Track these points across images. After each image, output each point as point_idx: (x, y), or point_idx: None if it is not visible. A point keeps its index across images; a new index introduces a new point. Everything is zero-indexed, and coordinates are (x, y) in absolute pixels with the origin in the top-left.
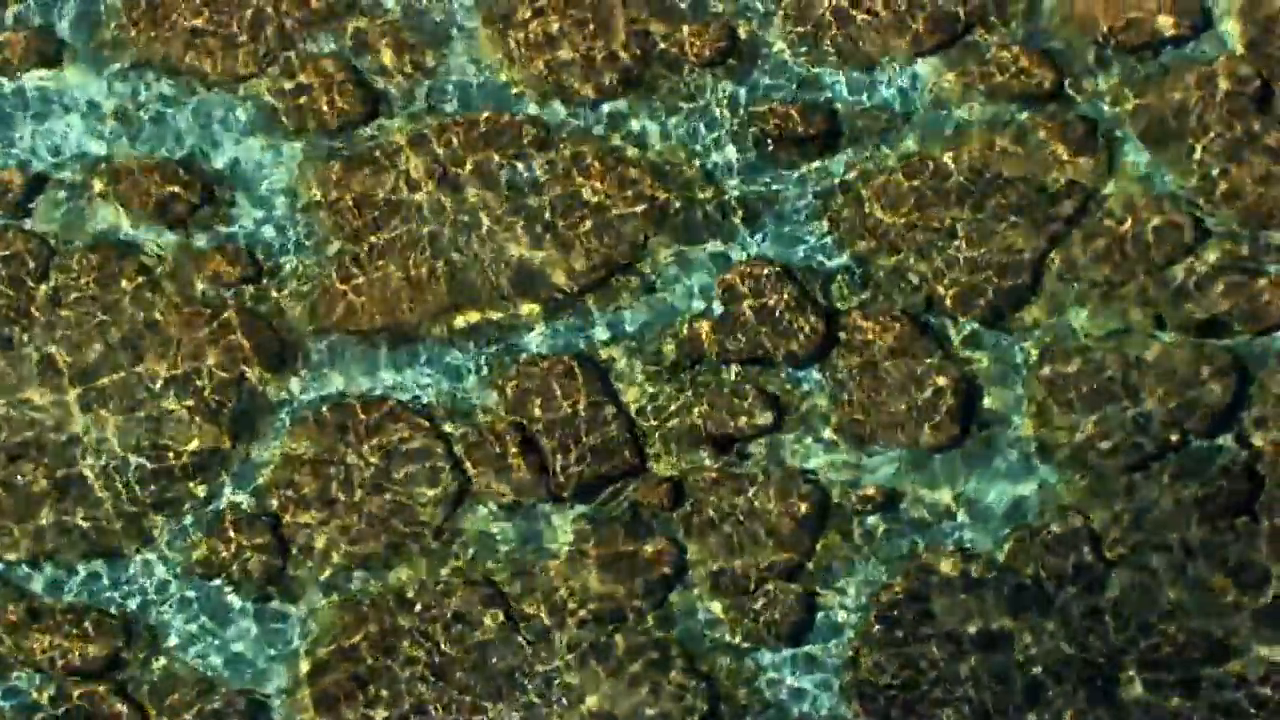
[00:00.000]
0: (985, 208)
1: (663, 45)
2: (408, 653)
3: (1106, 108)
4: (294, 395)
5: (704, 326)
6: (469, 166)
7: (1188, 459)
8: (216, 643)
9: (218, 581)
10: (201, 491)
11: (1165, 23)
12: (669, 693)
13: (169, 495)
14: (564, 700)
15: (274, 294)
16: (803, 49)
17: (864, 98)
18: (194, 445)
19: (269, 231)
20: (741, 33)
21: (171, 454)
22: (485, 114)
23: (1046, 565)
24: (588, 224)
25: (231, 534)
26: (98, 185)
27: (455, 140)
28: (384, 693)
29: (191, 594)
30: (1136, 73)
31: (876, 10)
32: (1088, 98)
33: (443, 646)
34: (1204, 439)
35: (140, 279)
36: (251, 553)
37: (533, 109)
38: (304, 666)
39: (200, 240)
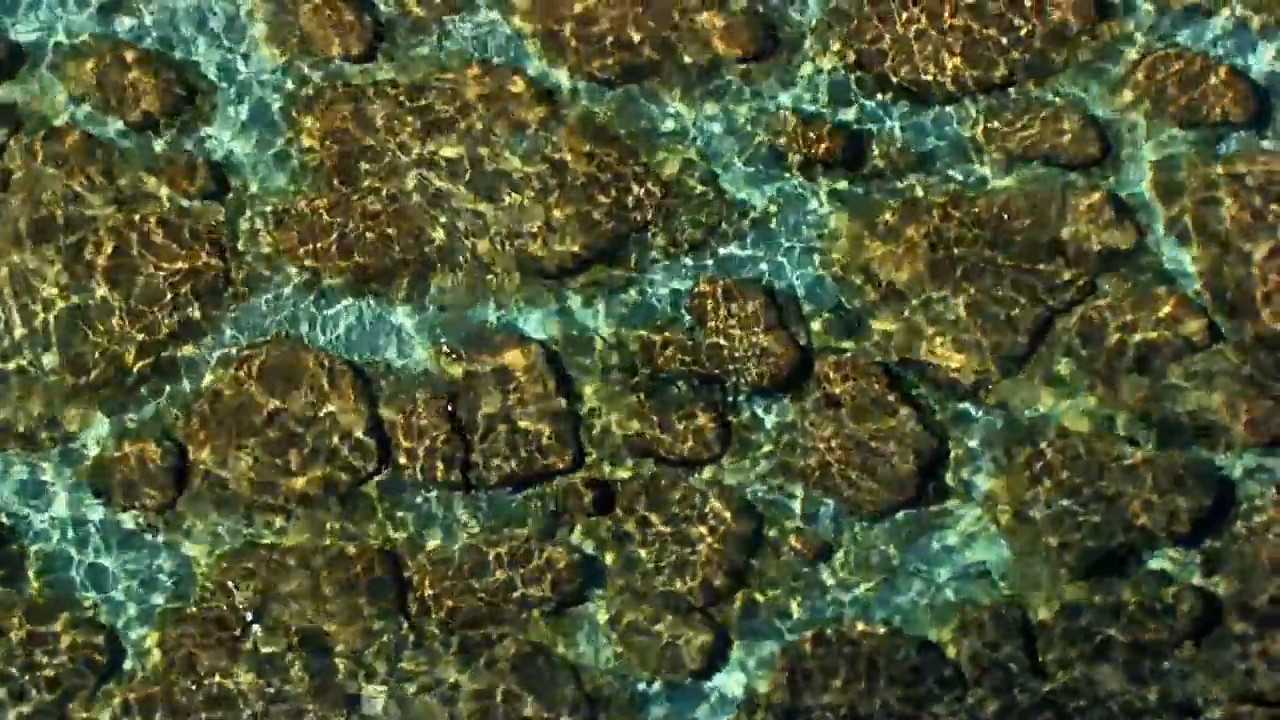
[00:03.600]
0: (992, 270)
1: (693, 35)
2: (281, 616)
3: (1146, 188)
4: (230, 326)
5: (672, 336)
6: (464, 125)
7: (1145, 572)
8: (88, 564)
9: (106, 503)
10: (113, 405)
11: (1225, 108)
12: (547, 706)
13: (77, 402)
14: (436, 695)
15: (232, 217)
16: (842, 65)
17: (894, 129)
18: (114, 356)
19: (243, 151)
20: (780, 35)
21: (89, 362)
22: (494, 73)
23: (972, 653)
24: (574, 207)
25: (132, 457)
26: (78, 68)
27: (456, 95)
28: (249, 650)
29: (77, 511)
30: (1185, 156)
31: (924, 41)
32: (1129, 174)
33: (320, 616)
34: (1168, 555)
35: (98, 174)
36: (149, 480)
37: (545, 77)
38: (172, 608)
39: (168, 145)
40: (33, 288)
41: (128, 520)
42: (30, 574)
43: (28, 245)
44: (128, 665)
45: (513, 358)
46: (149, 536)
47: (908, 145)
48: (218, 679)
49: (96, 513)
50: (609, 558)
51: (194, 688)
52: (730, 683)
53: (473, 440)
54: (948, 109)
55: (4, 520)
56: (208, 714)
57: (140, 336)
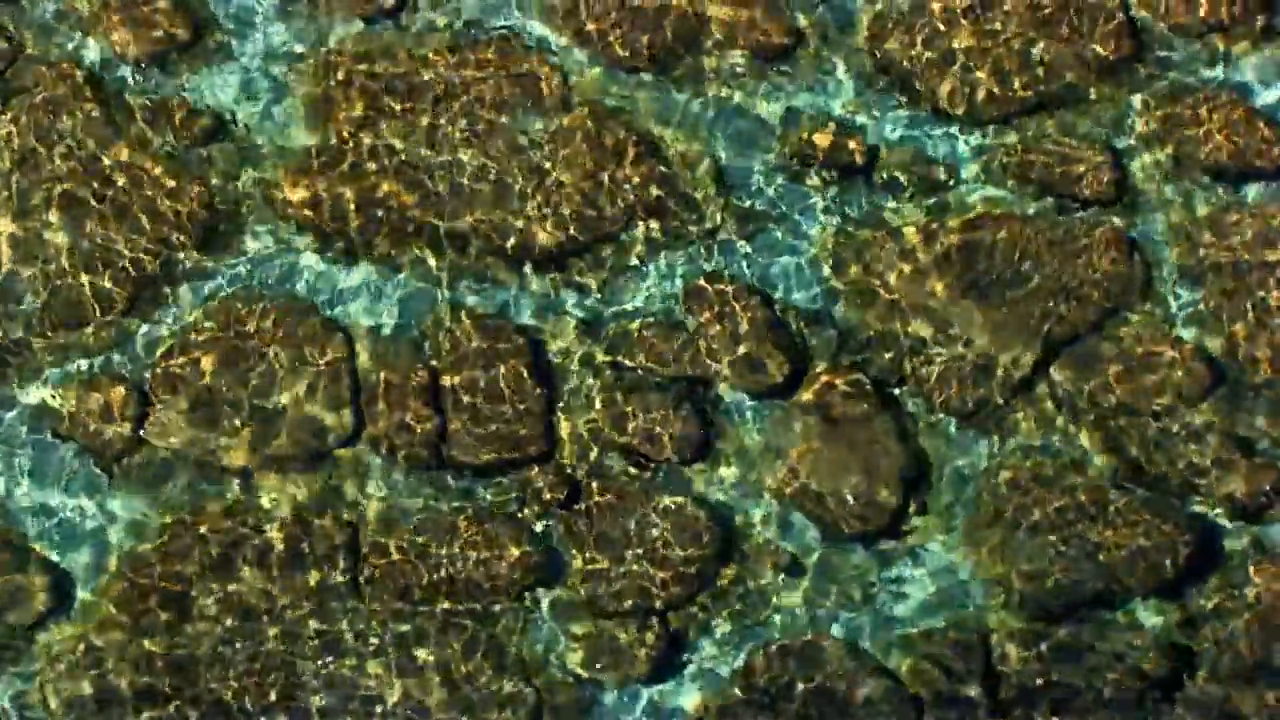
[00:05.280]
0: (993, 296)
1: (718, 26)
2: (233, 576)
3: (1160, 231)
4: (215, 275)
5: (661, 332)
6: (477, 95)
7: (1118, 623)
8: (43, 503)
9: (67, 442)
10: (82, 345)
11: (1252, 156)
12: (491, 698)
13: (47, 338)
14: (379, 675)
15: (229, 163)
16: (864, 73)
17: (913, 143)
18: (92, 295)
19: (243, 100)
20: (807, 34)
21: (64, 296)
22: (508, 48)
23: (929, 682)
24: (575, 190)
25: (98, 397)
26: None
27: (474, 63)
28: (195, 607)
29: (34, 446)
30: (1205, 202)
31: (952, 58)
32: (1144, 216)
33: (273, 581)
34: (1145, 605)
35: (94, 109)
36: (112, 423)
37: (560, 57)
38: (122, 555)
39: (168, 86)
40: (18, 218)
41: (85, 464)
42: None
43: (17, 176)
44: (71, 612)
45: (496, 341)
46: (108, 480)
47: (924, 161)
48: (162, 638)
49: (54, 453)
50: (570, 552)
51: (137, 642)
52: (681, 691)
53: (448, 419)
54: (969, 129)
55: None
56: (145, 674)
57: (119, 277)
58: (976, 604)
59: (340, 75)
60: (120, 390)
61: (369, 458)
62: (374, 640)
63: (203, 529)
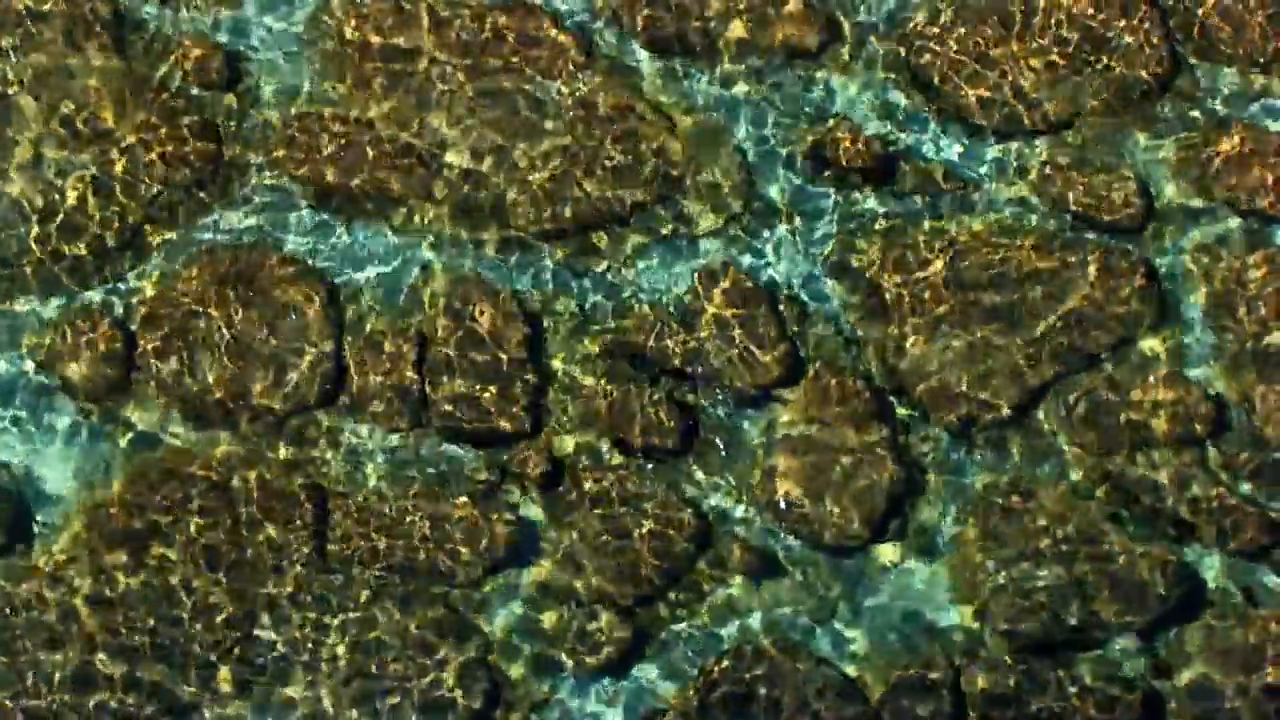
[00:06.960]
0: (1001, 315)
1: (749, 20)
2: (196, 527)
3: (1179, 262)
4: (209, 220)
5: (660, 320)
6: (494, 63)
7: (1094, 659)
8: (14, 435)
9: (44, 375)
10: (73, 281)
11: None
12: (448, 674)
13: (39, 273)
14: (336, 637)
15: (237, 111)
16: (897, 78)
17: (935, 152)
18: (88, 230)
19: (261, 47)
20: (841, 35)
21: (56, 227)
22: (534, 14)
23: (896, 704)
24: (586, 168)
25: (82, 335)
26: None
27: (491, 27)
28: (152, 560)
29: (12, 378)
30: (1228, 238)
31: (985, 70)
32: (1167, 248)
33: (236, 533)
34: (1123, 644)
35: (110, 42)
36: (94, 362)
37: (585, 27)
38: (87, 498)
39: (188, 25)
40: (22, 147)
41: (64, 402)
42: None
43: (26, 105)
44: (31, 546)
45: (490, 311)
46: (81, 419)
47: (947, 172)
48: (116, 582)
49: (32, 385)
50: (543, 534)
51: (91, 585)
52: (640, 686)
53: (433, 385)
54: (995, 143)
55: None
56: (95, 618)
57: (116, 213)
58: (951, 627)
59: (352, 30)
60: (106, 329)
61: (347, 418)
62: (334, 603)
63: (171, 476)
